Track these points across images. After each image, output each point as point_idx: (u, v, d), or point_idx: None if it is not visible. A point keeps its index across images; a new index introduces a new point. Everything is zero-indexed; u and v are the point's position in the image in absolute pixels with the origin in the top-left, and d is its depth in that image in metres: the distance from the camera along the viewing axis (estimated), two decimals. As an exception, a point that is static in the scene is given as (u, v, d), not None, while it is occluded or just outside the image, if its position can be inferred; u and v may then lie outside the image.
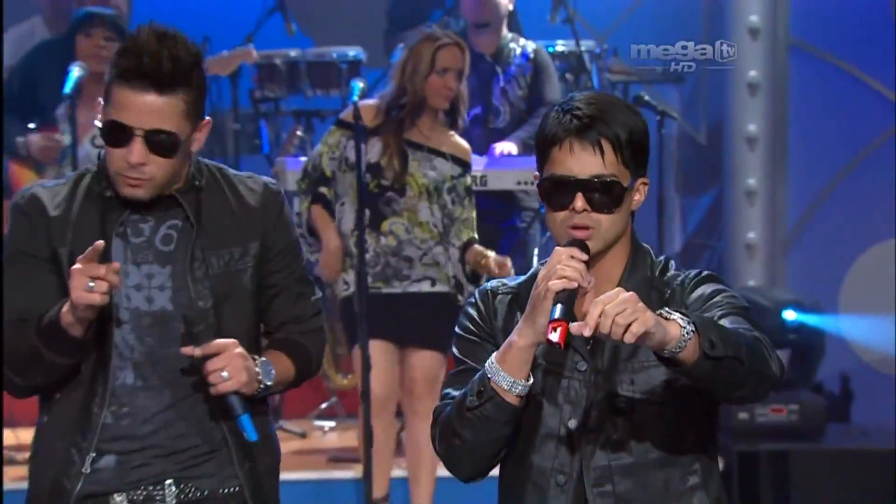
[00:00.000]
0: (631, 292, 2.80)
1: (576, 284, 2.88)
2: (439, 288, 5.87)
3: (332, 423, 7.03)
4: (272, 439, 3.55)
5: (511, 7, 7.19)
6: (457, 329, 3.17)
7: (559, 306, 2.85)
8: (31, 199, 3.44)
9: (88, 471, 3.39)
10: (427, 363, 5.95)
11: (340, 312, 6.15)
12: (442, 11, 8.01)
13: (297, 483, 6.22)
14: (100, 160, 3.44)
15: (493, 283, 3.18)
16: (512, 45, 7.24)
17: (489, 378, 2.97)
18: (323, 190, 6.01)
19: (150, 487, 3.41)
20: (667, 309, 2.84)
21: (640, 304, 2.78)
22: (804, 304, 7.11)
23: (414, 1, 8.28)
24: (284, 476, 3.68)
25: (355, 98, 5.78)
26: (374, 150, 5.97)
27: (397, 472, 6.26)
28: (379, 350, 5.95)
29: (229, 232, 3.44)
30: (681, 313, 2.83)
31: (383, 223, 5.97)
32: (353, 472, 6.31)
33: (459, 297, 5.88)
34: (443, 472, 5.87)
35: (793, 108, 8.50)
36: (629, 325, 2.75)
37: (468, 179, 6.10)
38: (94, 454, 3.38)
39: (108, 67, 3.33)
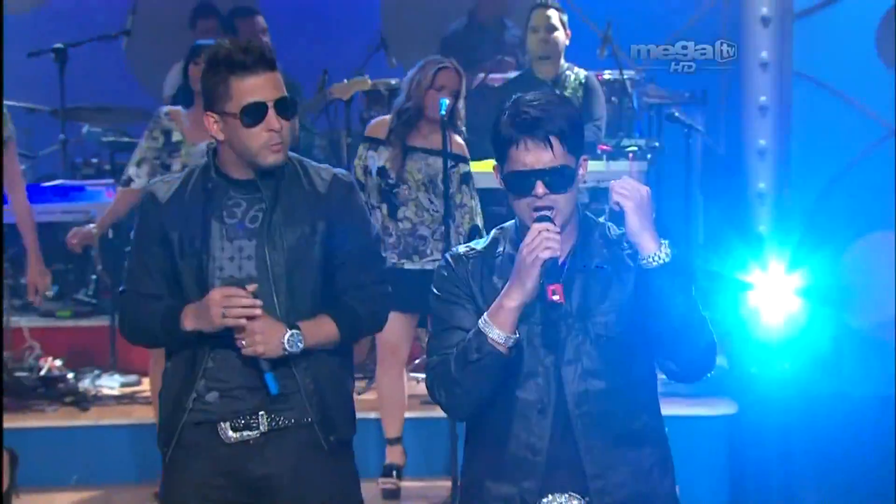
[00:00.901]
0: (646, 189, 2.96)
1: (558, 253, 2.94)
2: None
3: (423, 375, 7.15)
4: (346, 382, 3.64)
5: (567, 43, 7.20)
6: (435, 291, 3.14)
7: (548, 271, 2.93)
8: (148, 194, 3.56)
9: (191, 406, 3.50)
10: None
11: None
12: (498, 45, 8.15)
13: (398, 421, 6.30)
14: (207, 157, 3.54)
15: (462, 248, 3.17)
16: (568, 72, 7.23)
17: (486, 335, 2.96)
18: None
19: (248, 417, 3.49)
20: (669, 242, 2.96)
21: (642, 199, 2.94)
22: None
23: (488, 41, 8.31)
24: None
25: (443, 112, 5.80)
26: (383, 156, 6.03)
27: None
28: (392, 319, 5.95)
29: (301, 212, 3.49)
30: (669, 252, 2.95)
31: (398, 212, 6.01)
32: (441, 413, 6.43)
33: None
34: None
35: (796, 126, 8.53)
36: (617, 193, 2.94)
37: (462, 168, 6.02)
38: (195, 395, 3.49)
39: (213, 75, 3.43)
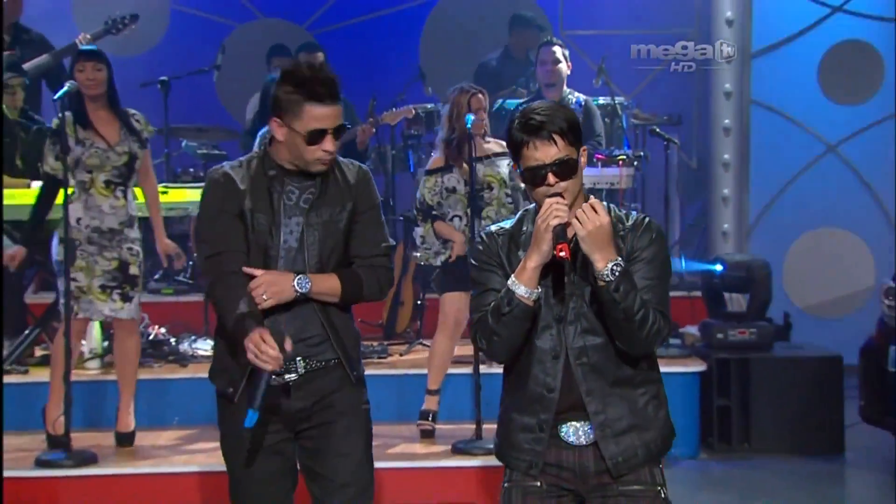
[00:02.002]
0: (606, 222, 2.94)
1: (566, 219, 2.95)
2: None
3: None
4: (352, 327, 3.57)
5: (569, 73, 7.27)
6: (473, 262, 3.15)
7: (557, 236, 2.93)
8: (225, 175, 3.47)
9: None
10: None
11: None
12: (524, 78, 8.15)
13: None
14: (261, 148, 3.51)
15: (494, 227, 3.17)
16: (570, 96, 7.27)
17: (514, 291, 2.98)
18: (436, 212, 5.92)
19: (288, 363, 3.42)
20: (620, 260, 2.96)
21: (601, 230, 2.93)
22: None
23: (515, 72, 8.27)
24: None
25: (469, 126, 5.69)
26: (458, 174, 5.82)
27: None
28: (457, 298, 5.90)
29: (335, 196, 3.50)
30: (620, 265, 2.93)
31: (483, 211, 5.90)
32: (468, 370, 6.39)
33: None
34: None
35: (753, 144, 8.54)
36: (580, 224, 2.93)
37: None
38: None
39: (289, 92, 3.34)
